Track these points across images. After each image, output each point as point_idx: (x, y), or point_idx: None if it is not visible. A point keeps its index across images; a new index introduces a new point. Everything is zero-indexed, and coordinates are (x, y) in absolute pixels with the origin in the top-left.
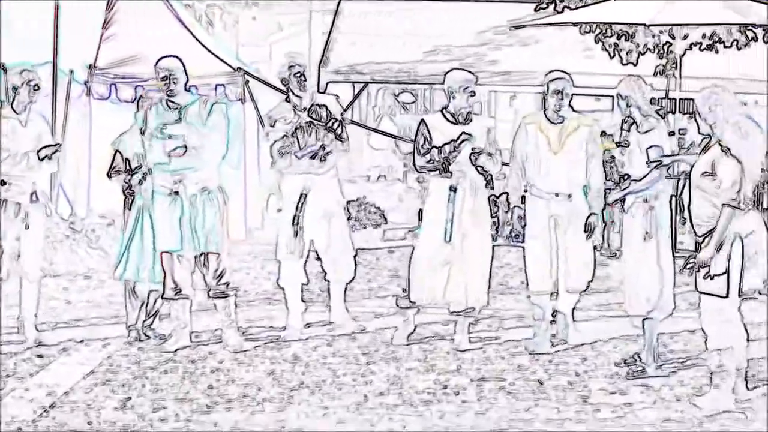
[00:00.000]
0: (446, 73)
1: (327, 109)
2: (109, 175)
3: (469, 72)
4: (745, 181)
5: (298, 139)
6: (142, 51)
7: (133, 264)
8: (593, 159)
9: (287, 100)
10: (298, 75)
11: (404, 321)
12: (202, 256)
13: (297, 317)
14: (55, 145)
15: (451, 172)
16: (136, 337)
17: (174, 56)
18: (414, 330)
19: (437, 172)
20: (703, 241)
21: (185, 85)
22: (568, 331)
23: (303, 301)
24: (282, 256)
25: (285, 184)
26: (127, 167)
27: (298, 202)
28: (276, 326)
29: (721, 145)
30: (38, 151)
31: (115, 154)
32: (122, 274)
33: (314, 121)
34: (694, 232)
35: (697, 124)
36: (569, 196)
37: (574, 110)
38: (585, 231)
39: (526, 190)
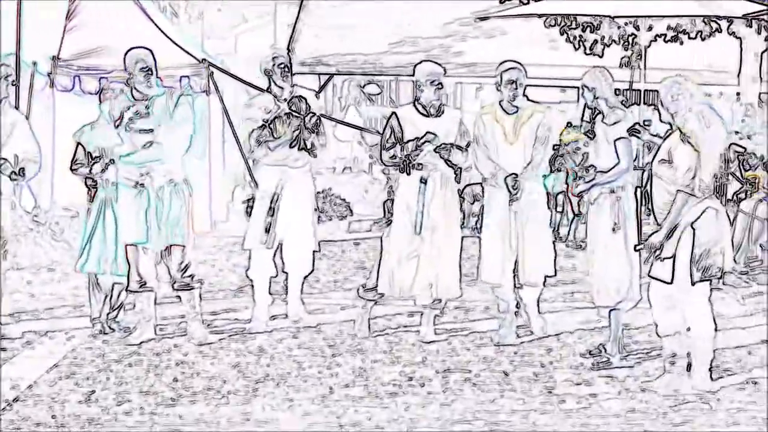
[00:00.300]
0: (416, 65)
1: (306, 102)
2: (71, 169)
3: (437, 64)
4: (701, 169)
5: (275, 129)
6: (106, 42)
7: (96, 256)
8: (539, 142)
9: (268, 90)
10: (282, 66)
11: (362, 310)
12: (168, 248)
13: (263, 309)
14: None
15: (409, 171)
16: (101, 329)
17: (146, 48)
18: (369, 318)
19: (398, 168)
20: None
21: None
22: (531, 323)
23: (270, 293)
24: (252, 245)
25: (261, 176)
26: (90, 160)
27: (273, 194)
28: (241, 318)
29: (681, 132)
30: None
31: (77, 147)
32: (84, 266)
33: (293, 113)
34: (657, 221)
35: (659, 113)
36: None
37: (529, 99)
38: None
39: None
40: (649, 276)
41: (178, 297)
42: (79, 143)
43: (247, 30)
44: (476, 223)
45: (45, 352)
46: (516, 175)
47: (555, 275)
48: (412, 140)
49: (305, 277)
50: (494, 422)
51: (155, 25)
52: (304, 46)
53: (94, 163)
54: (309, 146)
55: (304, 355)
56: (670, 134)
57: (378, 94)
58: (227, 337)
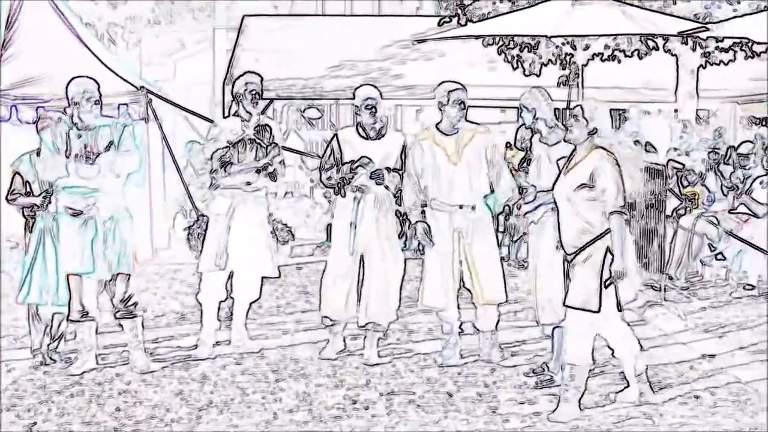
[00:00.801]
0: (355, 89)
1: (270, 131)
2: (8, 199)
3: (374, 87)
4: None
5: (236, 152)
6: (43, 71)
7: (37, 287)
8: (495, 167)
9: (236, 114)
10: (253, 92)
11: (333, 335)
12: (112, 277)
13: (210, 333)
14: None
15: (344, 193)
16: (41, 361)
17: (90, 77)
18: (345, 347)
19: (333, 191)
20: (574, 258)
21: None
22: (492, 352)
23: (218, 319)
24: (205, 268)
25: (215, 199)
26: (27, 189)
27: (226, 217)
28: (184, 346)
29: (607, 151)
30: None
31: (13, 177)
32: (26, 297)
33: (256, 140)
34: (564, 250)
35: (567, 130)
36: (473, 207)
37: (467, 120)
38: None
39: (424, 205)
40: (566, 306)
41: (120, 326)
42: (16, 173)
43: (186, 56)
44: (418, 245)
45: None
46: (509, 206)
47: (507, 299)
48: (348, 163)
49: (251, 304)
50: None
51: (92, 53)
52: (243, 71)
53: (41, 195)
54: (273, 171)
55: (248, 381)
56: (573, 155)
57: (318, 118)
58: (170, 365)
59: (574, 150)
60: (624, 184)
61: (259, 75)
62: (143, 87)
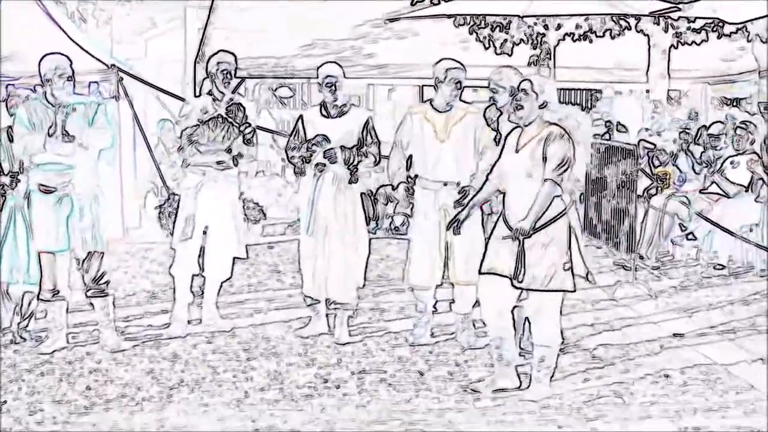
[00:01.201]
0: (318, 67)
1: (244, 111)
2: None
3: (335, 64)
4: (575, 164)
5: (206, 130)
6: (13, 49)
7: (7, 265)
8: (488, 149)
9: (209, 93)
10: (225, 72)
11: (315, 314)
12: (86, 255)
13: (183, 308)
14: None
15: (303, 172)
16: (11, 339)
17: (62, 54)
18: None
19: (293, 169)
20: (529, 238)
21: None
22: (463, 335)
23: (192, 292)
24: (176, 240)
25: (186, 176)
26: None
27: (194, 193)
28: (155, 324)
29: (560, 127)
30: None
31: None
32: None
33: (228, 119)
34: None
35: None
36: (458, 184)
37: (461, 100)
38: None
39: (409, 180)
40: (534, 289)
41: (91, 304)
42: None
43: (157, 35)
44: (390, 225)
45: None
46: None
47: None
48: (306, 142)
49: (222, 283)
50: (410, 422)
51: (63, 30)
52: (214, 49)
53: (9, 175)
54: (237, 154)
55: (219, 360)
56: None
57: (290, 97)
58: (141, 344)
59: (516, 128)
60: (574, 161)
61: (233, 54)
62: (114, 65)
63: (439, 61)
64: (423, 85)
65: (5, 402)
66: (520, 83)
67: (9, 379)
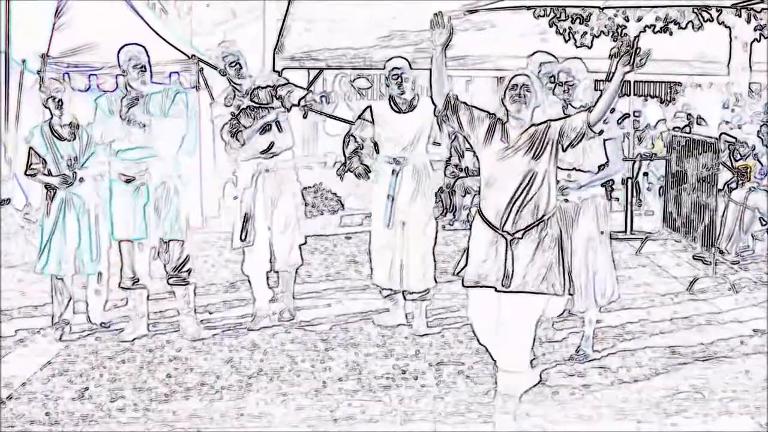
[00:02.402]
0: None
1: (269, 89)
2: (26, 174)
3: (402, 58)
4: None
5: (241, 123)
6: (95, 39)
7: (55, 258)
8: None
9: (231, 83)
10: (234, 64)
11: (393, 304)
12: (165, 243)
13: (264, 304)
14: None
15: (350, 170)
16: (61, 335)
17: (139, 44)
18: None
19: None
20: (522, 236)
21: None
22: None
23: (269, 287)
24: (236, 245)
25: (240, 174)
26: (43, 163)
27: (252, 189)
28: (234, 314)
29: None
30: None
31: (29, 151)
32: (44, 268)
33: (255, 104)
34: (500, 228)
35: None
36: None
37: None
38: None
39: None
40: (539, 292)
41: (171, 293)
42: (30, 147)
43: (236, 26)
44: (467, 216)
45: (38, 349)
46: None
47: None
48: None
49: (297, 270)
50: (488, 414)
51: (144, 21)
52: (293, 40)
53: (60, 177)
54: (276, 122)
55: (297, 350)
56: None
57: (368, 88)
58: (220, 333)
59: (498, 120)
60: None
61: (233, 43)
62: (194, 56)
63: (534, 53)
64: (501, 77)
65: (87, 389)
66: (513, 78)
67: (91, 366)
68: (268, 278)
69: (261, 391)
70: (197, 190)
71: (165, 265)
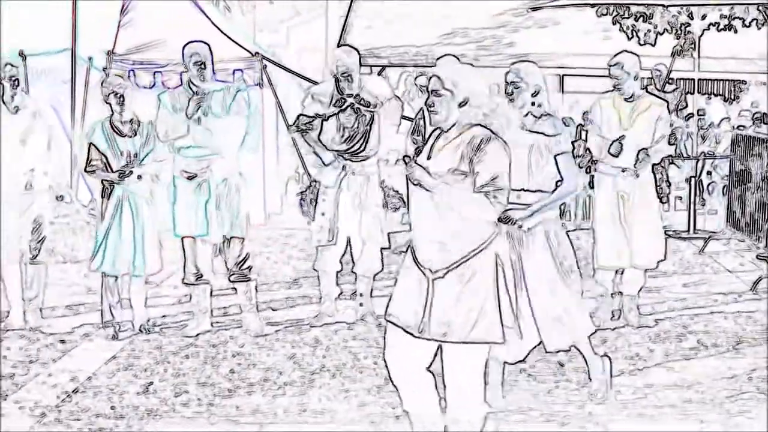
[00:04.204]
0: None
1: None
2: (86, 170)
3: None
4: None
5: (341, 125)
6: (160, 36)
7: (110, 256)
8: (662, 137)
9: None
10: (346, 74)
11: None
12: (226, 240)
13: (331, 302)
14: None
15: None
16: (114, 334)
17: (202, 42)
18: None
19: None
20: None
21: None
22: (630, 315)
23: (337, 285)
24: (316, 243)
25: (323, 172)
26: (103, 159)
27: (335, 189)
28: (297, 310)
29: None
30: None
31: (89, 148)
32: (99, 266)
33: (360, 107)
34: (419, 261)
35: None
36: (635, 171)
37: (648, 92)
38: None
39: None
40: (454, 341)
41: (234, 289)
42: (91, 143)
43: (300, 23)
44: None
45: (103, 344)
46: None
47: (665, 259)
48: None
49: (375, 276)
50: (550, 413)
51: (208, 18)
52: (355, 38)
53: (118, 172)
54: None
55: (360, 346)
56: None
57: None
58: (283, 329)
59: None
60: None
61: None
62: (258, 53)
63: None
64: (563, 75)
65: (152, 383)
66: (430, 79)
67: (155, 360)
68: (338, 277)
69: (323, 388)
70: (260, 187)
71: (226, 262)
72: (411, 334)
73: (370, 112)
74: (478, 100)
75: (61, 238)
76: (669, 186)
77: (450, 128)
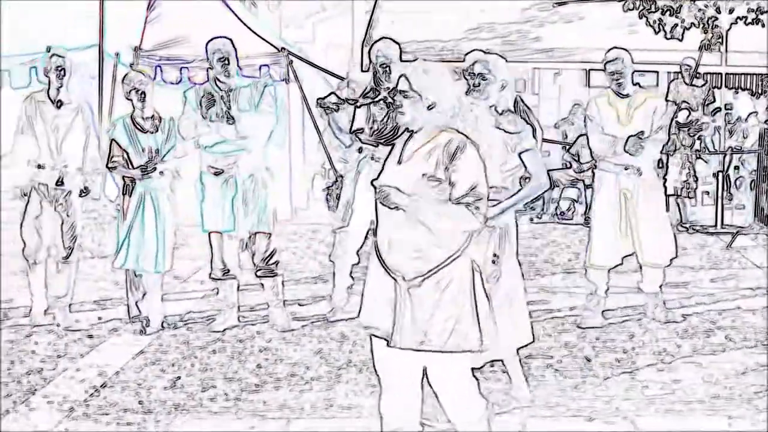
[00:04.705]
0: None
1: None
2: (108, 167)
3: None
4: None
5: (371, 116)
6: (187, 32)
7: (133, 253)
8: (662, 130)
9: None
10: (384, 66)
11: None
12: (252, 235)
13: (342, 294)
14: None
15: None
16: (141, 329)
17: (226, 37)
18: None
19: None
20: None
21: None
22: (656, 311)
23: (351, 277)
24: (335, 227)
25: (348, 153)
26: (125, 155)
27: (354, 173)
28: (323, 305)
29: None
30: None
31: (111, 144)
32: (123, 263)
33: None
34: (390, 270)
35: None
36: (638, 169)
37: (640, 86)
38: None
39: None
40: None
41: (261, 285)
42: (112, 140)
43: (325, 18)
44: (556, 210)
45: (131, 339)
46: (640, 134)
47: (677, 256)
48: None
49: None
50: (577, 408)
51: (235, 14)
52: (381, 33)
53: (140, 168)
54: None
55: None
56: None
57: (456, 80)
58: (309, 324)
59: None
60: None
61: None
62: (284, 48)
63: (606, 52)
64: (590, 69)
65: (179, 378)
66: (399, 79)
67: (183, 355)
68: (352, 270)
69: (350, 383)
70: (286, 183)
71: (253, 257)
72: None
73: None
74: (448, 104)
75: (89, 233)
76: (696, 181)
77: (419, 131)
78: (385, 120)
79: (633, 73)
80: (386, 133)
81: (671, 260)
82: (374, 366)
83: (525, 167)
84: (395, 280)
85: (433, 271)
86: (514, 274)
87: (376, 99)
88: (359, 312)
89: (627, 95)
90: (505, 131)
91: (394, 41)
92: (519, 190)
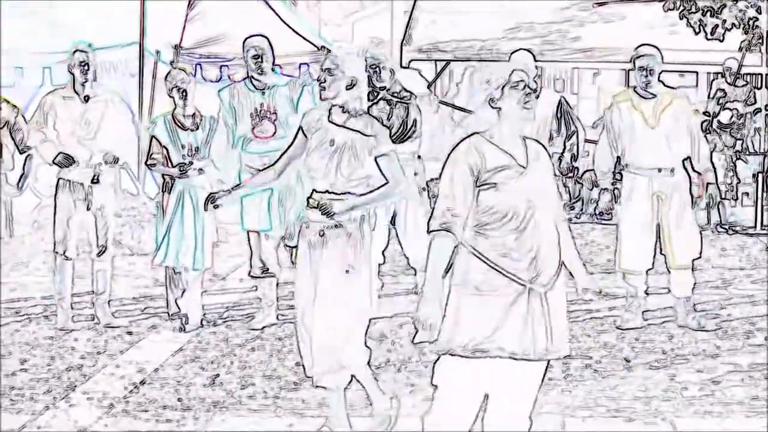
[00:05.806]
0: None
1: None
2: (147, 164)
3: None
4: None
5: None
6: (227, 30)
7: (173, 250)
8: (696, 134)
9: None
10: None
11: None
12: None
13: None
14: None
15: None
16: (180, 326)
17: (262, 35)
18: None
19: None
20: None
21: (272, 65)
22: (688, 318)
23: (379, 278)
24: None
25: None
26: (165, 153)
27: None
28: None
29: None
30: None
31: (151, 141)
32: (162, 260)
33: (393, 99)
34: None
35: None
36: (672, 170)
37: (665, 85)
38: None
39: (616, 170)
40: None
41: None
42: (153, 137)
43: (364, 17)
44: (594, 210)
45: (170, 336)
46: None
47: (700, 257)
48: None
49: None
50: (616, 409)
51: (274, 12)
52: (420, 32)
53: (178, 166)
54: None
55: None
56: None
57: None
58: None
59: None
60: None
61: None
62: (324, 47)
63: (635, 49)
64: (629, 69)
65: (218, 375)
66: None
67: (222, 353)
68: (379, 270)
69: (389, 382)
70: None
71: (291, 256)
72: (515, 358)
73: (405, 104)
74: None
75: (128, 230)
76: (738, 183)
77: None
78: (389, 119)
79: (661, 72)
80: (395, 132)
81: (693, 260)
82: (432, 382)
83: (381, 171)
84: (521, 285)
85: (558, 272)
86: None
87: (376, 100)
88: (442, 336)
89: (653, 96)
90: (361, 133)
91: (381, 39)
92: (373, 190)
